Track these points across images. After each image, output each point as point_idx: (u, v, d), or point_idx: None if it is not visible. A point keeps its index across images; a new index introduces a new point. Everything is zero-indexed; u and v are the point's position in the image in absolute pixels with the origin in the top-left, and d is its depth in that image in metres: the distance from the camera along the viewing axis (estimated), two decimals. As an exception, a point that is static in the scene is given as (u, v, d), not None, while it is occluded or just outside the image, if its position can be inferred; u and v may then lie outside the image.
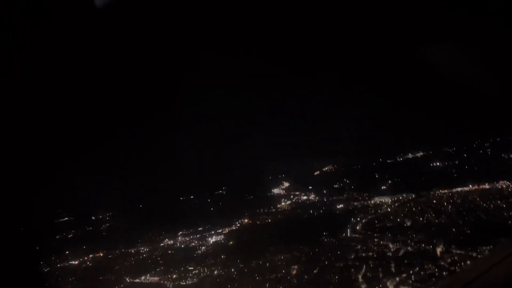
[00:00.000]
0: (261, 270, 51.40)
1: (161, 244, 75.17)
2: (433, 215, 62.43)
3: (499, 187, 70.80)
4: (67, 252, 75.88)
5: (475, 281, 2.40)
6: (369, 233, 60.40)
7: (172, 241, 75.98)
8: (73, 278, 62.55)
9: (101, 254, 73.46)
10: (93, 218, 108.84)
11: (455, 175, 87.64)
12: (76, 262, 71.04)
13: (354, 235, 61.22)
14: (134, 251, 72.90)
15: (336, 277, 45.42)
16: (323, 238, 61.20)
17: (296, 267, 50.26)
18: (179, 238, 77.13)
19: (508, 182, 71.04)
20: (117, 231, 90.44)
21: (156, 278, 57.06)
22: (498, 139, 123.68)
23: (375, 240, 56.27)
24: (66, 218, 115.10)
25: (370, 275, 44.37)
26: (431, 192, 77.20)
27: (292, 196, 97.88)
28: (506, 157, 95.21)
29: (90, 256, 72.85)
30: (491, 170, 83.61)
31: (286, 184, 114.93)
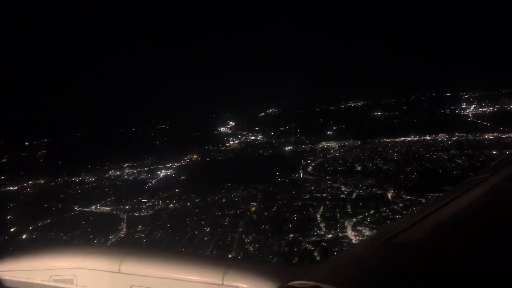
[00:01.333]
0: (219, 206, 51.58)
1: (107, 175, 72.59)
2: (381, 162, 65.31)
3: (439, 139, 75.19)
4: (3, 177, 71.73)
5: (395, 237, 2.45)
6: (321, 175, 62.05)
7: (118, 172, 73.60)
8: (14, 204, 59.11)
9: (42, 181, 69.84)
10: (26, 143, 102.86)
11: (397, 126, 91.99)
12: (14, 188, 67.10)
13: (306, 177, 62.65)
14: (78, 180, 69.91)
15: (295, 215, 46.64)
16: (276, 177, 62.30)
17: (254, 204, 50.93)
18: (126, 170, 74.85)
19: (447, 135, 75.67)
20: (56, 158, 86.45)
21: (107, 209, 55.47)
22: (433, 94, 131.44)
23: (328, 182, 58.01)
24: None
25: (328, 215, 45.97)
26: (376, 140, 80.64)
27: (239, 136, 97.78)
28: (443, 111, 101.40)
29: (30, 182, 68.89)
30: (430, 123, 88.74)
31: (232, 124, 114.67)
